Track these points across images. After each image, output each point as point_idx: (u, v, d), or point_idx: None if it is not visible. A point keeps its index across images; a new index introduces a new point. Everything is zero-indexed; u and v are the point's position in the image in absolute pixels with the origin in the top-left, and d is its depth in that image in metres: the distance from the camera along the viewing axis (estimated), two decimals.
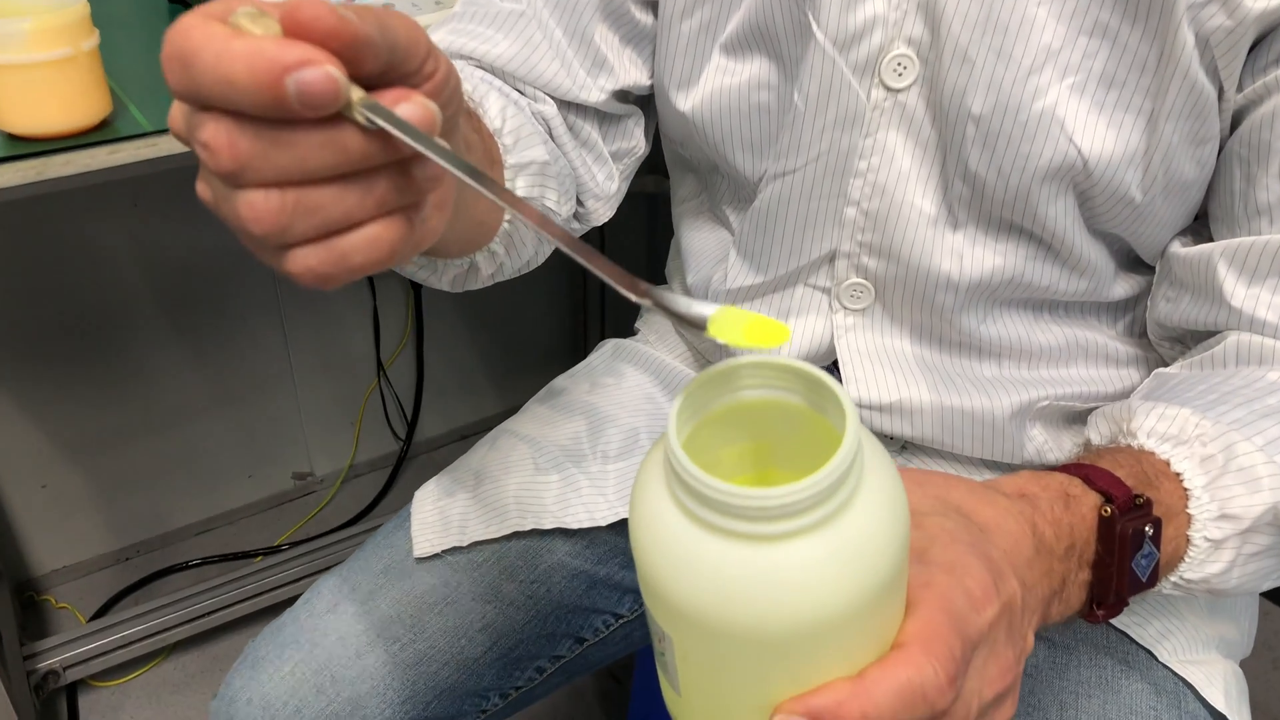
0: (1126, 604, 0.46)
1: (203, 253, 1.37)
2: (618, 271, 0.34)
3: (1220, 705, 0.57)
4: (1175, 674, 0.58)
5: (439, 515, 0.68)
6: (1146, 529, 0.45)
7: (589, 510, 0.65)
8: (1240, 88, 0.52)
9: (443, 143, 0.32)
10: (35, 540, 1.44)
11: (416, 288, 1.53)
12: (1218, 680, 0.58)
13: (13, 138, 0.78)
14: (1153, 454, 0.48)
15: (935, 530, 0.38)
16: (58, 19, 0.74)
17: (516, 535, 0.66)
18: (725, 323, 0.33)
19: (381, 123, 0.31)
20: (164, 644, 1.35)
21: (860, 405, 0.63)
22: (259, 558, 1.53)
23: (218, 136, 0.30)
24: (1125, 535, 0.44)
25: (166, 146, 0.81)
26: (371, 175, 0.32)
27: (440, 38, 0.62)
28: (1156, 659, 0.59)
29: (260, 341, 1.49)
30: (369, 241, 0.33)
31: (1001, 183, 0.55)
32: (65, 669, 1.27)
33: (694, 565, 0.31)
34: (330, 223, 0.32)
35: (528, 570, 0.66)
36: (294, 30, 0.30)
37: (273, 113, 0.30)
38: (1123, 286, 0.61)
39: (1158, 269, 0.59)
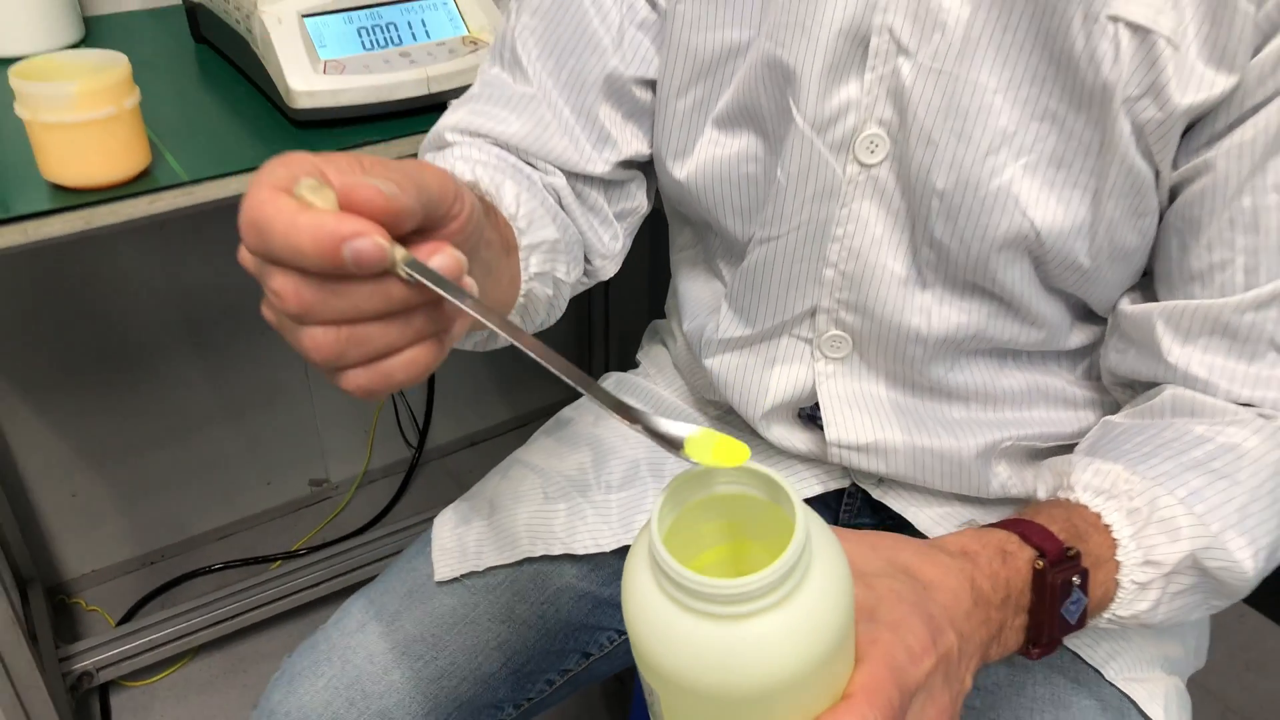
0: (1060, 643, 0.53)
1: (223, 276, 1.43)
2: (613, 400, 0.41)
3: (1159, 718, 0.64)
4: (1121, 691, 0.64)
5: (457, 542, 0.74)
6: (1074, 579, 0.51)
7: (594, 537, 0.72)
8: (1175, 167, 0.58)
9: (469, 284, 0.40)
10: (66, 546, 1.51)
11: None
12: (1159, 696, 0.64)
13: (60, 189, 0.84)
14: (1085, 507, 0.55)
15: (884, 591, 0.45)
16: (103, 80, 0.80)
17: (528, 560, 0.73)
18: (698, 445, 0.40)
19: (419, 277, 0.38)
20: (190, 646, 1.42)
21: (839, 445, 0.69)
22: (277, 563, 1.60)
23: (285, 287, 0.37)
24: (1055, 585, 0.50)
25: (202, 194, 0.87)
26: (410, 313, 0.40)
27: (460, 117, 0.68)
28: (1104, 677, 0.65)
29: (278, 355, 1.55)
30: (408, 363, 0.40)
31: (963, 250, 0.61)
32: (98, 670, 1.34)
33: (672, 638, 0.38)
34: (376, 351, 0.39)
35: (538, 592, 0.72)
36: (349, 206, 0.37)
37: (332, 272, 0.37)
38: (1078, 337, 0.67)
39: (1109, 322, 0.65)
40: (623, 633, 0.76)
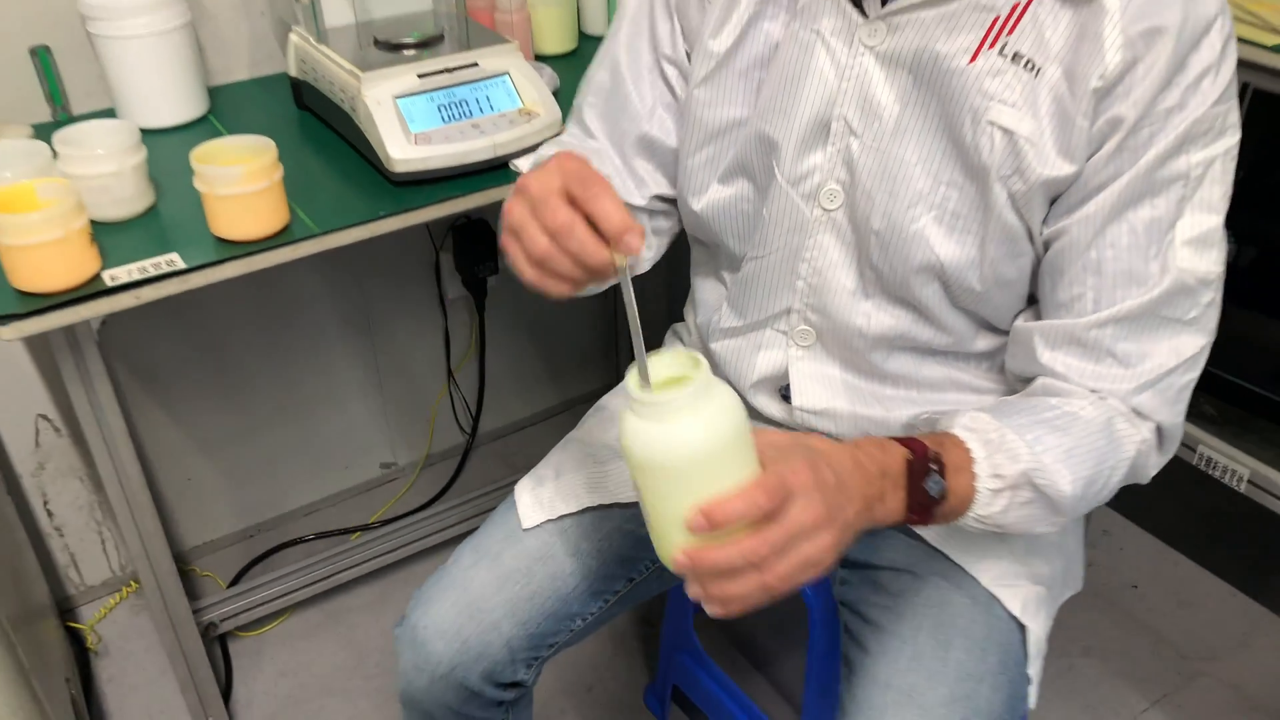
0: (932, 513, 0.77)
1: (311, 295, 1.71)
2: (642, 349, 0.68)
3: (1016, 612, 0.91)
4: (990, 593, 0.92)
5: (534, 499, 1.01)
6: (932, 465, 0.76)
7: (632, 490, 0.99)
8: (1046, 225, 0.84)
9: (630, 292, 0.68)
10: (183, 522, 1.79)
11: (481, 310, 1.86)
12: (1019, 598, 0.91)
13: (225, 242, 1.11)
14: (955, 436, 0.80)
15: (784, 446, 0.70)
16: (261, 163, 1.07)
17: (588, 509, 1.00)
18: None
19: (621, 279, 0.67)
20: (288, 604, 1.69)
21: (801, 410, 0.96)
22: (356, 534, 1.87)
23: (540, 242, 0.70)
24: (916, 467, 0.76)
25: (330, 241, 1.14)
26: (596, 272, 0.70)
27: (563, 144, 0.99)
28: (979, 583, 0.92)
29: (354, 356, 1.82)
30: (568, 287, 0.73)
31: (892, 273, 0.87)
32: (221, 621, 1.62)
33: (635, 434, 0.66)
34: (564, 273, 0.71)
35: (596, 532, 1.00)
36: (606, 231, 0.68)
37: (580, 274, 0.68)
38: (982, 343, 0.93)
39: (1010, 334, 0.91)
40: (655, 563, 1.03)
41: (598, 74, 0.98)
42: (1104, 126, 0.78)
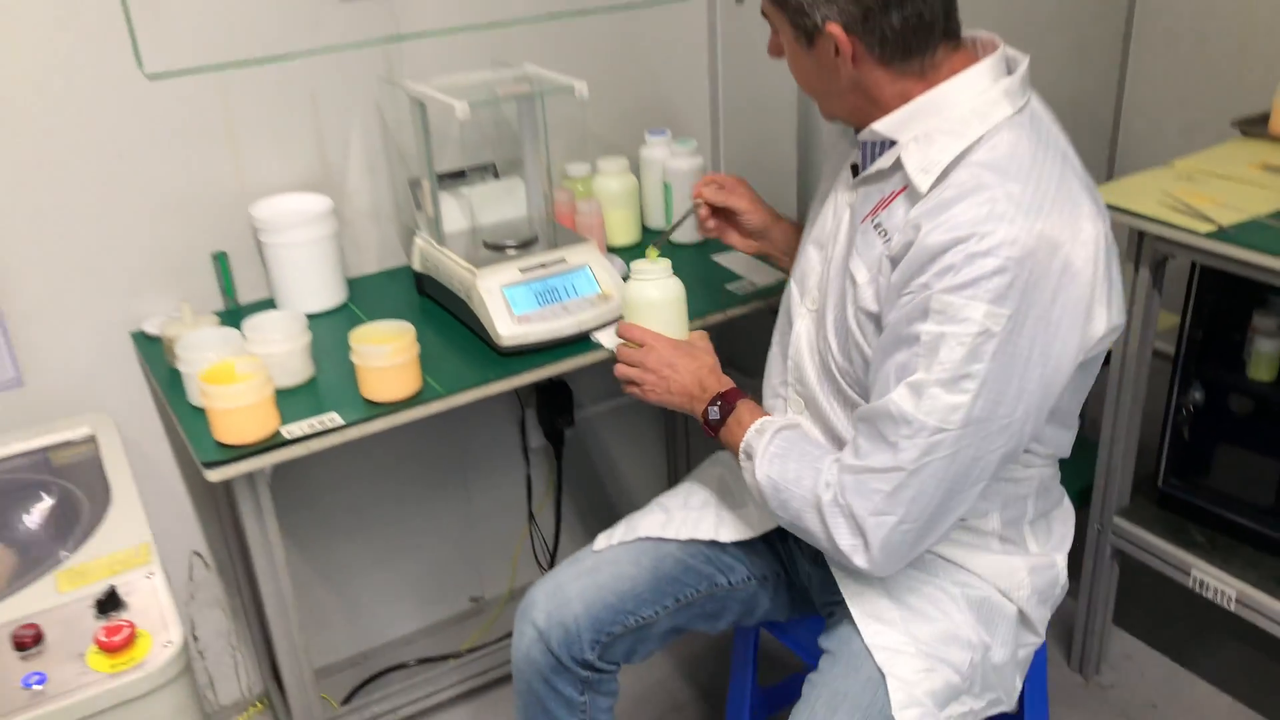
0: (712, 429, 1.28)
1: (413, 441, 2.01)
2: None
3: (882, 663, 1.19)
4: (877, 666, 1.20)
5: (608, 536, 1.38)
6: (720, 404, 1.27)
7: (679, 531, 1.36)
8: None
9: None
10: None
11: (559, 458, 2.14)
12: (898, 661, 1.20)
13: (371, 403, 1.42)
14: (758, 410, 1.26)
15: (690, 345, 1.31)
16: (404, 342, 1.39)
17: (651, 539, 1.36)
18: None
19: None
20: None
21: None
22: (450, 660, 2.11)
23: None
24: (715, 398, 1.27)
25: (456, 400, 1.44)
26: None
27: None
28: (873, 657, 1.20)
29: (450, 500, 2.11)
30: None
31: (822, 356, 1.23)
32: None
33: (628, 289, 1.36)
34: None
35: (656, 553, 1.38)
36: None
37: None
38: None
39: None
40: (699, 591, 1.37)
41: None
42: (887, 283, 1.11)
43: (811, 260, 1.27)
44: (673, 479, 2.38)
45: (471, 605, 2.23)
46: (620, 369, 1.37)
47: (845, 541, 1.12)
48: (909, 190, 1.11)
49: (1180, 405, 1.71)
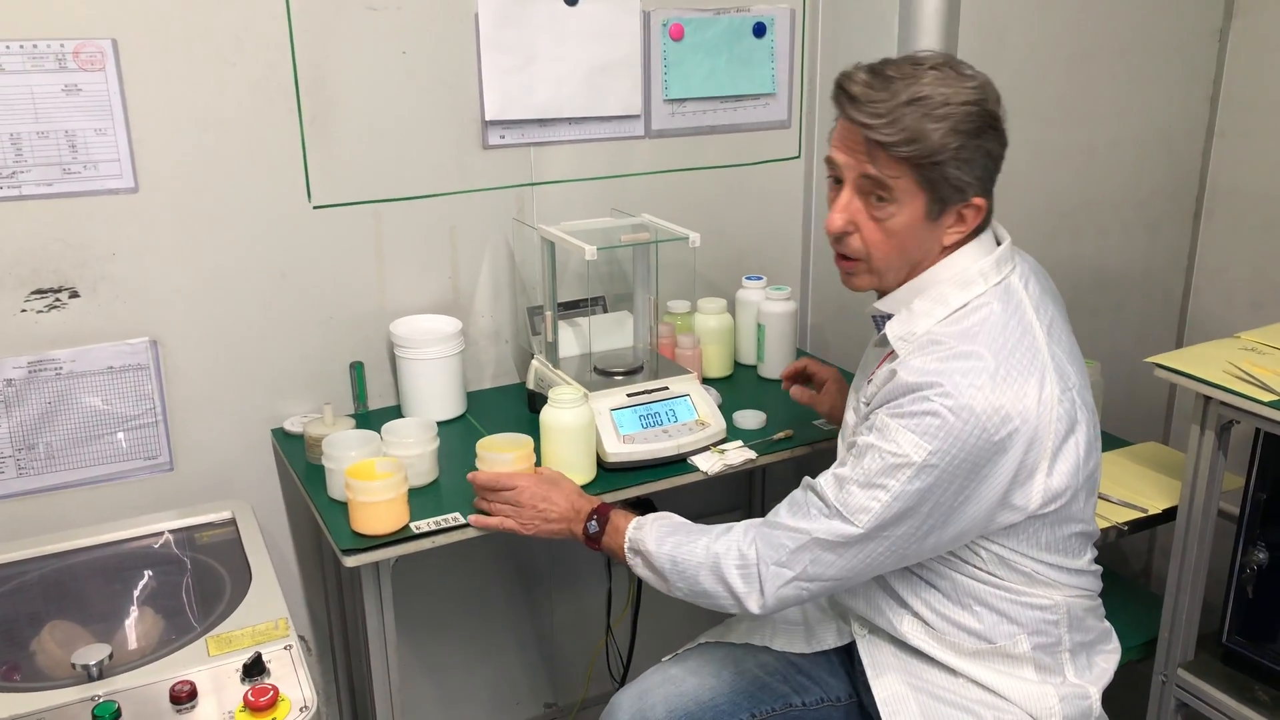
0: (596, 543, 1.44)
1: (504, 550, 2.14)
2: None
3: None
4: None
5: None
6: (597, 519, 1.44)
7: (750, 637, 1.51)
8: None
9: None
10: None
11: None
12: None
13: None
14: (633, 516, 1.42)
15: (554, 476, 1.49)
16: (524, 453, 1.55)
17: (734, 644, 1.54)
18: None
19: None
20: None
21: None
22: None
23: None
24: (590, 515, 1.44)
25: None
26: None
27: None
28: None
29: (535, 607, 2.23)
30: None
31: None
32: None
33: (546, 417, 1.59)
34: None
35: (737, 665, 1.54)
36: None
37: None
38: None
39: None
40: (775, 709, 1.47)
41: None
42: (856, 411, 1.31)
43: (850, 412, 1.43)
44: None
45: (546, 711, 2.32)
46: (492, 515, 1.50)
47: (740, 587, 1.29)
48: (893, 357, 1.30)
49: (1245, 564, 1.78)
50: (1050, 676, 1.35)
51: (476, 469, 1.55)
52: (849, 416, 1.40)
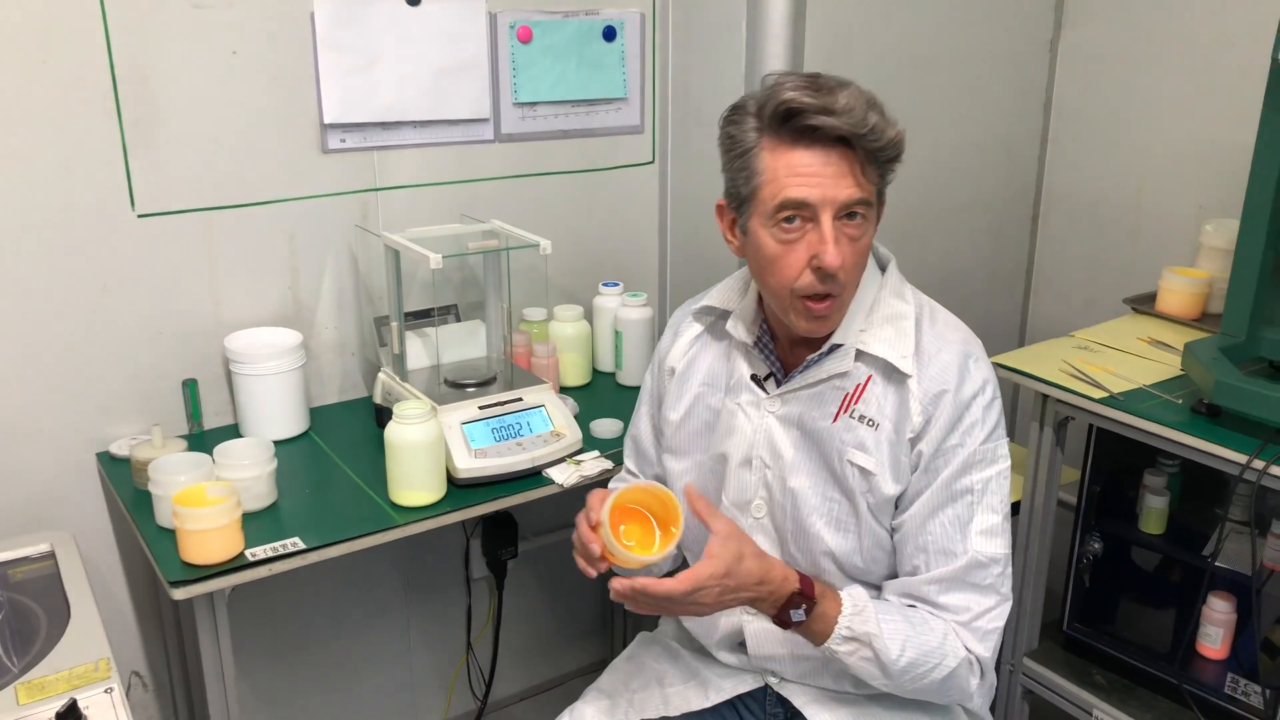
0: (792, 628, 1.17)
1: (356, 571, 2.06)
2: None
3: None
4: None
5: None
6: (802, 605, 1.15)
7: (629, 713, 1.36)
8: (891, 521, 1.24)
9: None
10: None
11: (500, 589, 2.20)
12: None
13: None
14: (839, 594, 1.18)
15: (726, 543, 1.12)
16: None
17: None
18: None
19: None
20: None
21: (756, 657, 1.31)
22: None
23: None
24: (794, 599, 1.15)
25: (411, 529, 1.52)
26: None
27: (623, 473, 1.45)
28: None
29: (390, 629, 2.15)
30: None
31: (805, 558, 1.27)
32: None
33: (391, 433, 1.49)
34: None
35: None
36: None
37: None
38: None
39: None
40: None
41: (628, 439, 1.49)
42: (914, 459, 1.22)
43: (745, 480, 1.28)
44: (611, 612, 2.44)
45: None
46: (642, 609, 1.16)
47: (974, 684, 1.23)
48: (878, 379, 1.22)
49: (1082, 554, 1.86)
50: None
51: (597, 536, 1.18)
52: (863, 461, 1.22)
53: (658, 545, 1.16)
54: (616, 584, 1.12)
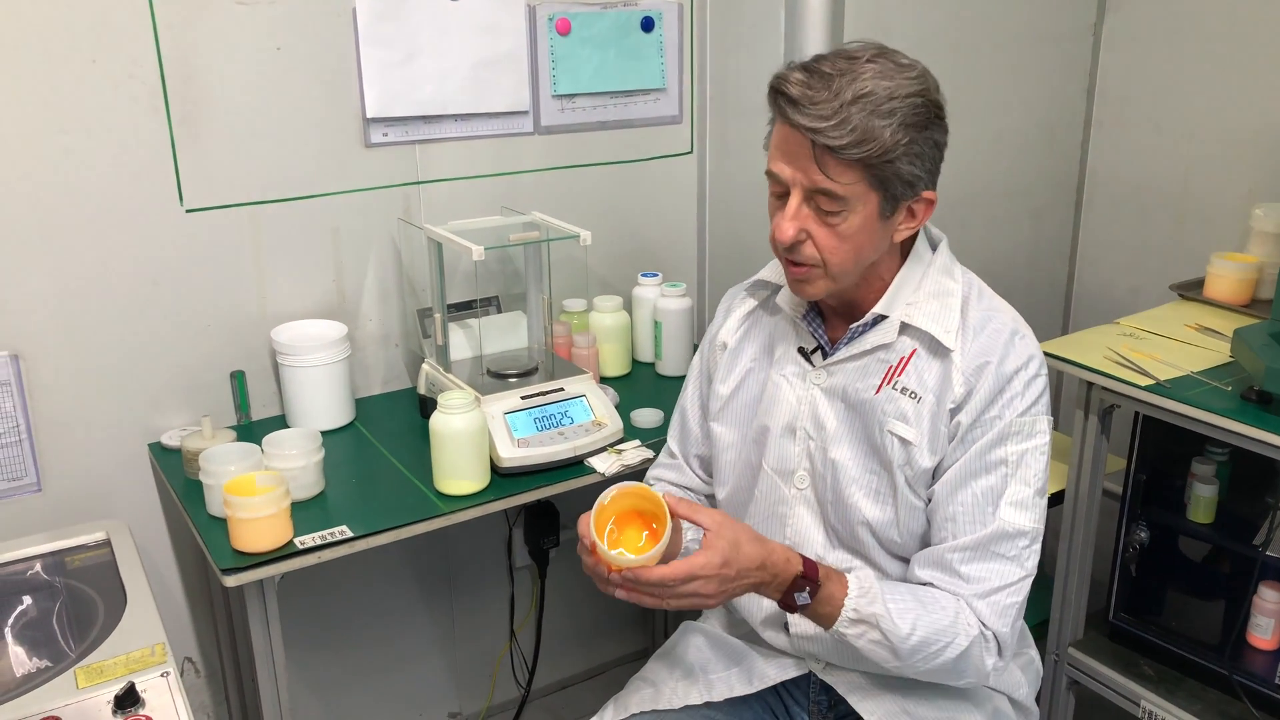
0: (797, 611, 1.18)
1: (402, 559, 2.09)
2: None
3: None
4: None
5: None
6: (806, 587, 1.16)
7: (673, 700, 1.36)
8: (929, 500, 1.24)
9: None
10: None
11: (543, 577, 2.22)
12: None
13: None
14: (844, 576, 1.19)
15: (720, 532, 1.13)
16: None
17: (638, 714, 1.35)
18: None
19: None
20: None
21: (799, 636, 1.29)
22: None
23: None
24: (798, 581, 1.16)
25: (456, 517, 1.54)
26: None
27: (659, 473, 1.45)
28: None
29: (435, 615, 2.17)
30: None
31: (844, 529, 1.28)
32: None
33: (435, 423, 1.52)
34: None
35: None
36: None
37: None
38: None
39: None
40: None
41: (675, 415, 1.49)
42: (953, 429, 1.22)
43: (789, 450, 1.31)
44: None
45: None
46: (644, 599, 1.15)
47: (990, 661, 1.22)
48: (922, 352, 1.24)
49: (1128, 544, 1.84)
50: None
51: (587, 536, 1.18)
52: (904, 432, 1.23)
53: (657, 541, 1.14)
54: (612, 575, 1.13)
